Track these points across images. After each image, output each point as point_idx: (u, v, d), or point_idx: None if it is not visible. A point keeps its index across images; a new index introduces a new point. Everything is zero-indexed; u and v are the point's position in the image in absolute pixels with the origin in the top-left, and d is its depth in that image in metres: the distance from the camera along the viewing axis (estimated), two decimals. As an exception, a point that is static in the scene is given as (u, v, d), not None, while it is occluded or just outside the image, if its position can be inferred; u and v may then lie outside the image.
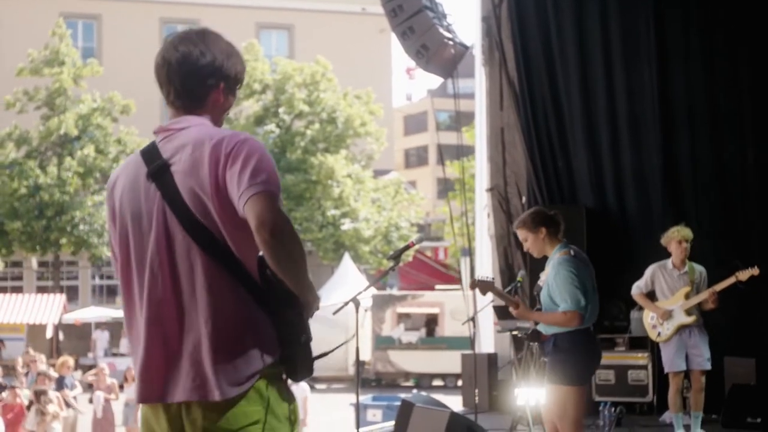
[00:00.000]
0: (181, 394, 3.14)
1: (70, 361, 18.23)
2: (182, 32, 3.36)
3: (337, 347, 5.70)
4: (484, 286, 6.92)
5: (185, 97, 3.32)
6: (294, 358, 3.21)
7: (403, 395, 14.59)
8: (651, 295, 9.69)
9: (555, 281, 6.51)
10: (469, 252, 14.44)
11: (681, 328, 9.28)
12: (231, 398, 3.10)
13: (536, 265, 12.53)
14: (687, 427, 9.42)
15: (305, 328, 3.24)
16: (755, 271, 8.98)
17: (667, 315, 9.37)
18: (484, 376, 12.16)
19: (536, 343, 6.82)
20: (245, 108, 35.27)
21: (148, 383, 3.20)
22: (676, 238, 9.36)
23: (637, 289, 9.69)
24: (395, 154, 49.01)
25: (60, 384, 16.12)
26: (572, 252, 6.71)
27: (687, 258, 9.42)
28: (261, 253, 3.15)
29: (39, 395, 13.89)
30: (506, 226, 13.61)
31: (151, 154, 3.25)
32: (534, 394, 10.05)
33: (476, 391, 10.31)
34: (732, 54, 12.17)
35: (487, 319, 12.54)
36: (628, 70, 12.73)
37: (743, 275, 9.01)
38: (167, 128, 3.29)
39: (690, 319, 9.23)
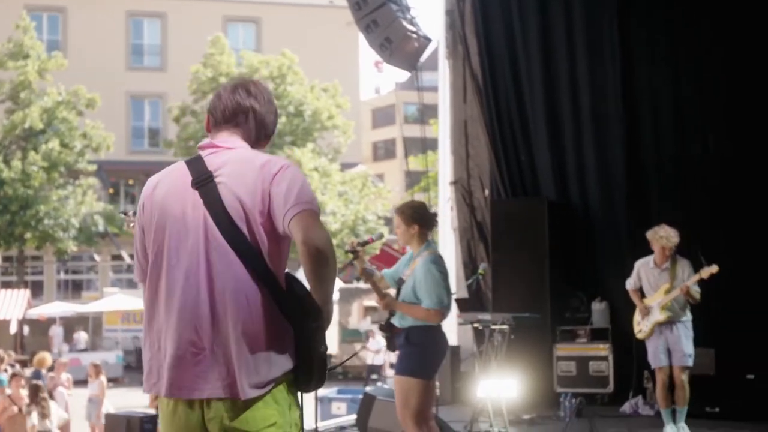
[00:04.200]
0: (209, 391, 3.34)
1: (49, 357, 18.12)
2: (250, 80, 3.78)
3: (348, 359, 5.81)
4: (366, 275, 6.98)
5: (239, 124, 3.67)
6: (312, 368, 3.43)
7: (368, 388, 14.60)
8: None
9: (425, 278, 6.66)
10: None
11: (659, 325, 9.31)
12: (251, 399, 3.32)
13: (499, 258, 12.63)
14: None
15: (324, 339, 3.45)
16: (713, 269, 9.04)
17: (647, 312, 9.41)
18: (447, 368, 12.19)
19: (388, 334, 6.89)
20: (212, 101, 35.10)
21: (176, 378, 3.38)
22: (661, 243, 9.33)
23: (628, 285, 9.71)
24: (363, 147, 48.95)
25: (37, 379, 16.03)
26: (437, 252, 6.97)
27: (669, 257, 9.39)
28: (287, 271, 3.49)
29: (36, 392, 13.56)
30: (469, 219, 13.67)
31: (197, 165, 3.52)
32: (495, 386, 10.11)
33: (437, 383, 10.31)
34: (695, 49, 12.22)
35: (450, 312, 12.53)
36: (591, 65, 12.78)
37: (705, 273, 9.08)
38: (215, 145, 3.60)
39: (664, 316, 9.25)
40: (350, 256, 6.99)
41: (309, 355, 3.41)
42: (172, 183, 3.54)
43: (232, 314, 3.34)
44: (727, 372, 10.85)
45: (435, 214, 7.14)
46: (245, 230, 3.38)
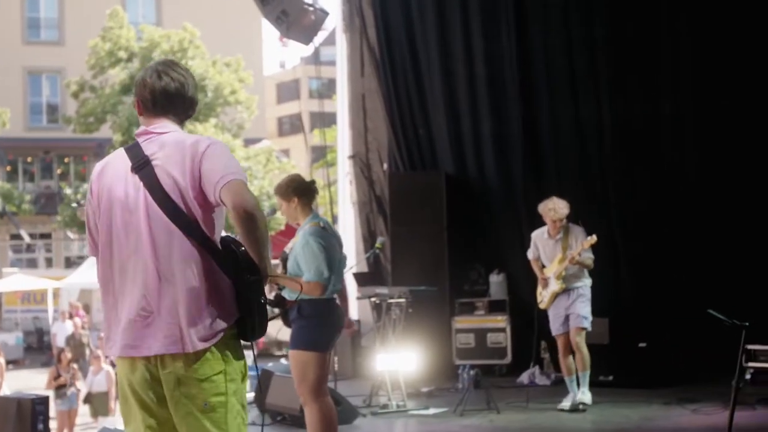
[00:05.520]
0: (157, 348, 3.79)
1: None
2: (169, 62, 4.11)
3: (276, 316, 6.13)
4: None
5: (174, 114, 4.06)
6: (253, 318, 3.86)
7: (271, 364, 14.55)
8: None
9: (302, 251, 6.61)
10: (333, 219, 14.44)
11: (557, 294, 9.39)
12: (200, 351, 3.77)
13: (398, 231, 12.64)
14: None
15: (263, 291, 3.88)
16: (592, 240, 9.18)
17: (545, 283, 9.49)
18: (347, 342, 12.19)
19: (279, 309, 6.83)
20: (111, 76, 34.36)
21: (128, 339, 3.84)
22: (550, 215, 9.39)
23: (529, 255, 9.76)
24: (268, 123, 48.58)
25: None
26: (322, 224, 6.85)
27: (561, 227, 9.45)
28: (223, 234, 3.94)
29: None
30: (368, 193, 13.66)
31: (135, 151, 3.96)
32: (394, 359, 10.14)
33: (335, 358, 10.31)
34: (588, 17, 12.35)
35: (350, 287, 12.53)
36: (486, 36, 12.81)
37: (586, 244, 9.20)
38: (150, 132, 4.02)
39: (559, 286, 9.34)
40: None
41: (249, 307, 3.84)
42: (114, 168, 3.98)
43: (178, 279, 3.78)
44: (621, 341, 11.05)
45: (312, 182, 7.01)
46: (181, 204, 3.81)
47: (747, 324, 6.47)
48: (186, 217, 3.82)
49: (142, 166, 3.90)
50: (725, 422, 6.48)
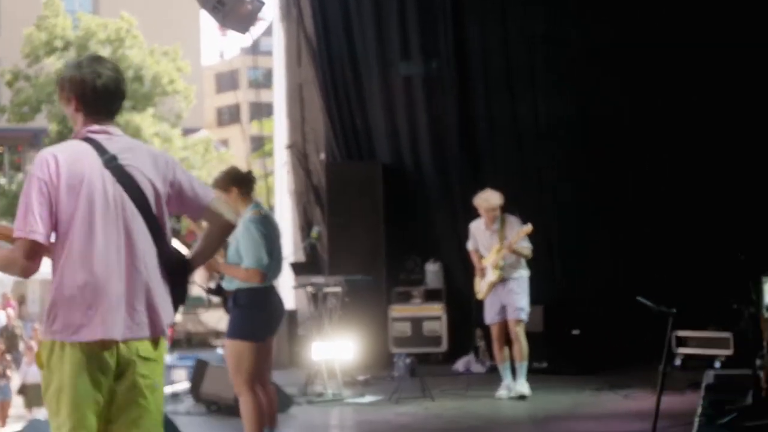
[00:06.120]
0: (131, 333, 3.98)
1: None
2: (98, 57, 4.23)
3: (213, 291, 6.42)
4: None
5: (113, 113, 4.16)
6: (177, 312, 4.26)
7: (206, 354, 14.48)
8: None
9: (243, 238, 6.65)
10: (270, 209, 14.41)
11: (494, 284, 9.46)
12: (160, 336, 4.09)
13: (335, 221, 12.66)
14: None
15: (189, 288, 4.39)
16: (527, 229, 9.29)
17: (483, 273, 9.56)
18: (284, 332, 12.18)
19: (219, 298, 6.85)
20: (46, 65, 33.89)
21: (108, 323, 3.94)
22: (482, 206, 9.47)
23: (468, 246, 9.80)
24: (206, 113, 48.24)
25: None
26: (263, 212, 6.90)
27: (496, 218, 9.51)
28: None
29: None
30: (305, 183, 13.65)
31: (98, 146, 4.03)
32: (330, 348, 10.18)
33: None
34: (525, 12, 12.46)
35: (287, 276, 12.54)
36: (423, 28, 12.87)
37: (522, 233, 9.29)
38: (108, 132, 4.09)
39: (495, 276, 9.40)
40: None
41: (183, 303, 4.23)
42: (89, 161, 4.01)
43: (150, 271, 4.04)
44: (555, 328, 11.19)
45: (250, 173, 7.05)
46: (153, 206, 4.05)
47: (674, 311, 6.58)
48: (156, 218, 4.08)
49: (112, 162, 4.03)
50: (654, 407, 6.59)
